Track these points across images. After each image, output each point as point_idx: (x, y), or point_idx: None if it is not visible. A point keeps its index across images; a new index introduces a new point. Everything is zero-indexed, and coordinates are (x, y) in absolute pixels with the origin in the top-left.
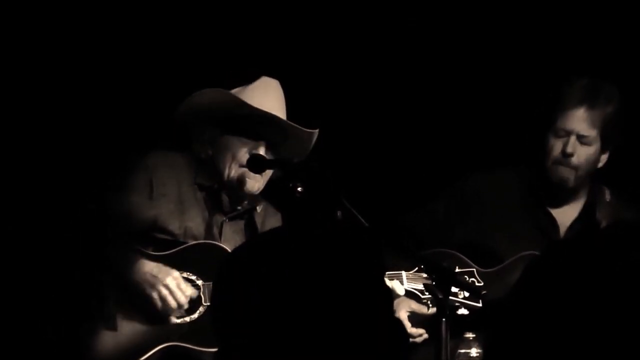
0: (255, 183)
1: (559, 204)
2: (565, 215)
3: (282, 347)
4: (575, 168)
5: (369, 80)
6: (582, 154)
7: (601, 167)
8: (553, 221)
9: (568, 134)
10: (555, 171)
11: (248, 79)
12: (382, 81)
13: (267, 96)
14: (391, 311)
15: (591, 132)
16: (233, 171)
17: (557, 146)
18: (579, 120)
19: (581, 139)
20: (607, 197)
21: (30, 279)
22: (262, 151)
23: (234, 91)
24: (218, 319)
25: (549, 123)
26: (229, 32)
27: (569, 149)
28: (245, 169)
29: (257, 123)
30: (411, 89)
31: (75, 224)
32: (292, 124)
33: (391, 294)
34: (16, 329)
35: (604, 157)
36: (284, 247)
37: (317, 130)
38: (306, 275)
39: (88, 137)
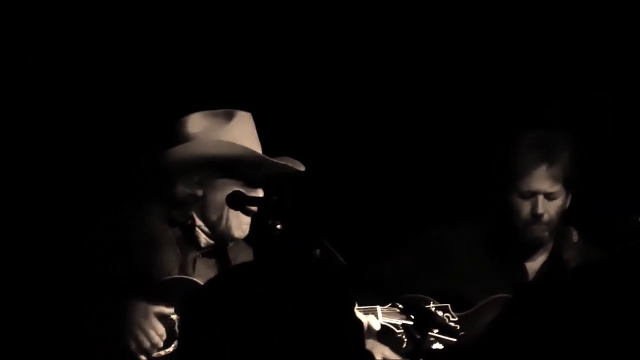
0: (248, 229)
1: (531, 256)
2: (535, 261)
3: None
4: (548, 224)
5: (349, 126)
6: (552, 210)
7: (567, 208)
8: (523, 268)
9: (534, 194)
10: (529, 232)
11: (217, 106)
12: (358, 128)
13: (249, 136)
14: (362, 347)
15: (556, 188)
16: (232, 215)
17: (525, 207)
18: (543, 180)
19: (549, 197)
20: (575, 238)
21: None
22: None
23: (203, 119)
24: (184, 353)
25: (509, 183)
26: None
27: (540, 210)
28: (245, 220)
29: (256, 169)
30: (383, 138)
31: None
32: (296, 168)
33: (362, 331)
34: None
35: (569, 199)
36: (255, 283)
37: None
38: (275, 312)
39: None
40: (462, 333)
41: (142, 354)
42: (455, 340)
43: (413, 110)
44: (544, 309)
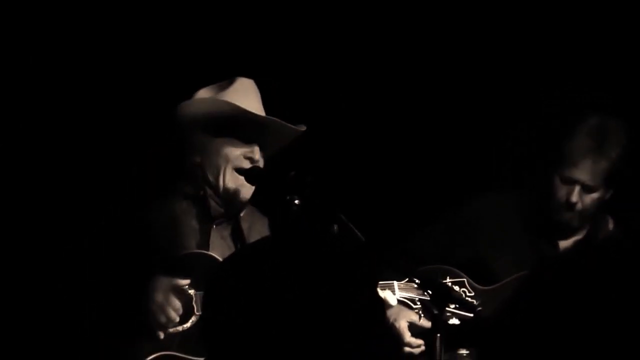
0: (250, 189)
1: (564, 237)
2: (568, 240)
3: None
4: (580, 212)
5: (372, 96)
6: (587, 201)
7: (606, 200)
8: (555, 245)
9: (573, 182)
10: (559, 215)
11: (220, 79)
12: (385, 98)
13: (249, 98)
14: (383, 324)
15: (596, 182)
16: (228, 177)
17: (561, 191)
18: (585, 172)
19: (586, 188)
20: (611, 226)
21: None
22: (257, 155)
23: (208, 92)
24: (207, 329)
25: (553, 163)
26: (218, 33)
27: (574, 199)
28: (242, 177)
29: (248, 127)
30: (414, 108)
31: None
32: (289, 125)
33: (383, 307)
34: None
35: (609, 193)
36: (275, 258)
37: (304, 127)
38: (296, 287)
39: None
40: (480, 309)
41: (158, 329)
42: (471, 315)
43: (447, 79)
44: (562, 286)
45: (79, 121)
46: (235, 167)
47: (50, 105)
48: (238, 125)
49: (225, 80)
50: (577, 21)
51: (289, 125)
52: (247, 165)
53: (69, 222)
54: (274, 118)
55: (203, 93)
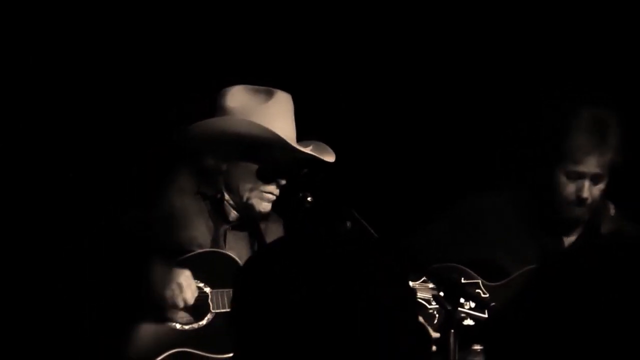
0: (270, 204)
1: (569, 232)
2: (571, 235)
3: (299, 355)
4: (589, 205)
5: (378, 96)
6: (595, 193)
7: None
8: (561, 241)
9: (581, 176)
10: (570, 212)
11: (256, 82)
12: (390, 98)
13: (286, 119)
14: (415, 316)
15: (603, 170)
16: (254, 193)
17: (569, 188)
18: (593, 166)
19: (594, 179)
20: (612, 211)
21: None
22: (283, 180)
23: (244, 93)
24: (236, 325)
25: (556, 161)
26: (228, 41)
27: (585, 194)
28: (266, 196)
29: (284, 154)
30: (419, 108)
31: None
32: (325, 160)
33: (415, 305)
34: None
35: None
36: (302, 255)
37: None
38: (326, 284)
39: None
40: (493, 304)
41: (170, 311)
42: (485, 315)
43: (449, 79)
44: (572, 279)
45: (80, 121)
46: (264, 189)
47: (51, 106)
48: (273, 150)
49: (229, 77)
50: (577, 21)
51: (326, 160)
52: (272, 187)
53: (69, 222)
54: (312, 153)
55: (238, 92)
